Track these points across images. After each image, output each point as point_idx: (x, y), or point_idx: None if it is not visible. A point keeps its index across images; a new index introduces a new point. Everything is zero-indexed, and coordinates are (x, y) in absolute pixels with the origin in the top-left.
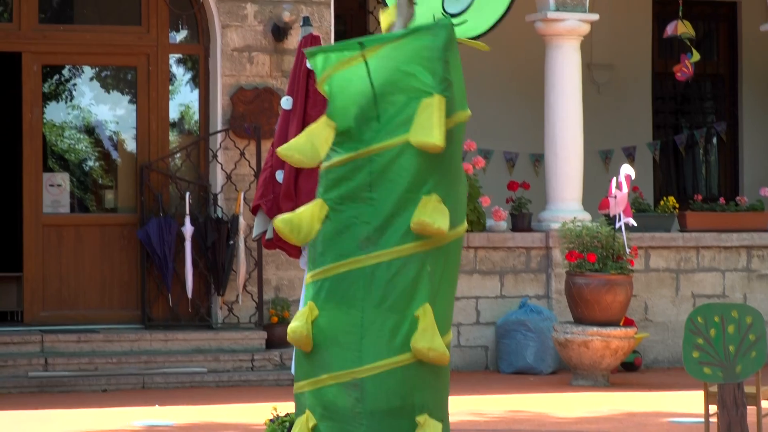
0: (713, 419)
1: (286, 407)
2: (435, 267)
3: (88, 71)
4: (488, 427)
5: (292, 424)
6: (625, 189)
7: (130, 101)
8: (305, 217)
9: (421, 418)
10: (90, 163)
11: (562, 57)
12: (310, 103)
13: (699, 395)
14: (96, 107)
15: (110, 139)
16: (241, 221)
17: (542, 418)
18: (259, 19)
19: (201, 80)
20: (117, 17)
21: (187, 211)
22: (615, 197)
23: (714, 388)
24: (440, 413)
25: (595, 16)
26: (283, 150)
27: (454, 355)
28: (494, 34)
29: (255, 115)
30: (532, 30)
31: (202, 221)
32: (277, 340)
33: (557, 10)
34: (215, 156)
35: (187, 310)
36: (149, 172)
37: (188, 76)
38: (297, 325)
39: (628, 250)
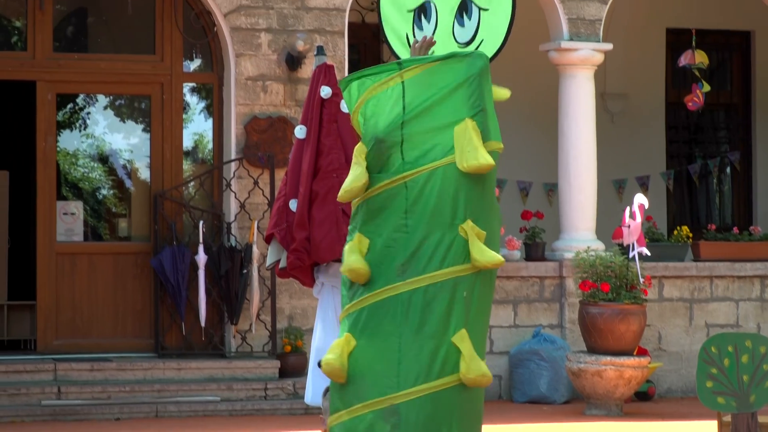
0: None
1: None
2: (470, 293)
3: (102, 100)
4: None
5: None
6: (639, 218)
7: (144, 130)
8: (356, 259)
9: None
10: (104, 191)
11: (576, 86)
12: (324, 132)
13: (713, 425)
14: (110, 136)
15: (124, 167)
16: (255, 250)
17: None
18: (273, 48)
19: (215, 109)
20: (131, 46)
21: (201, 240)
22: (629, 227)
23: (728, 418)
24: None
25: (609, 46)
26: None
27: None
28: (508, 63)
29: (269, 144)
30: (546, 59)
31: (216, 250)
32: (290, 369)
33: (571, 39)
34: (229, 185)
35: (201, 338)
36: (163, 201)
37: (202, 104)
38: (331, 357)
39: (641, 280)
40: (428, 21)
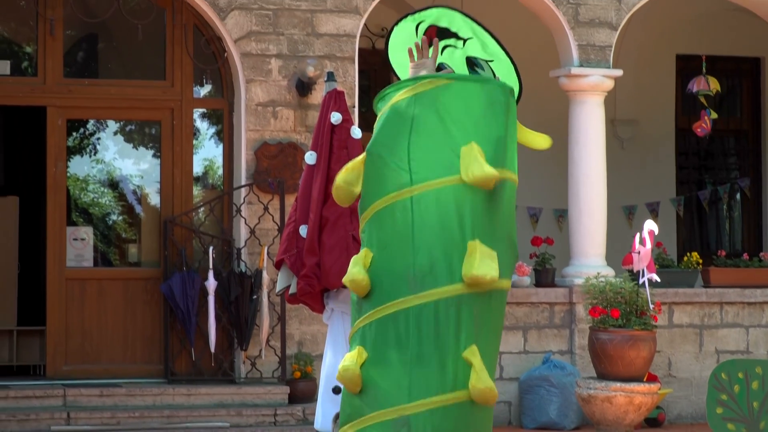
0: None
1: None
2: (480, 311)
3: (112, 125)
4: None
5: None
6: (649, 245)
7: (154, 155)
8: (357, 270)
9: None
10: (114, 217)
11: (586, 112)
12: (334, 158)
13: None
14: (120, 161)
15: (134, 193)
16: (265, 276)
17: None
18: (283, 74)
19: (225, 135)
20: (141, 72)
21: (211, 266)
22: (638, 253)
23: None
24: None
25: (619, 72)
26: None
27: None
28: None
29: (279, 170)
30: (556, 85)
31: (226, 276)
32: (299, 395)
33: (581, 65)
34: (239, 210)
35: (210, 364)
36: (173, 227)
37: (212, 130)
38: (347, 365)
39: (651, 306)
40: None
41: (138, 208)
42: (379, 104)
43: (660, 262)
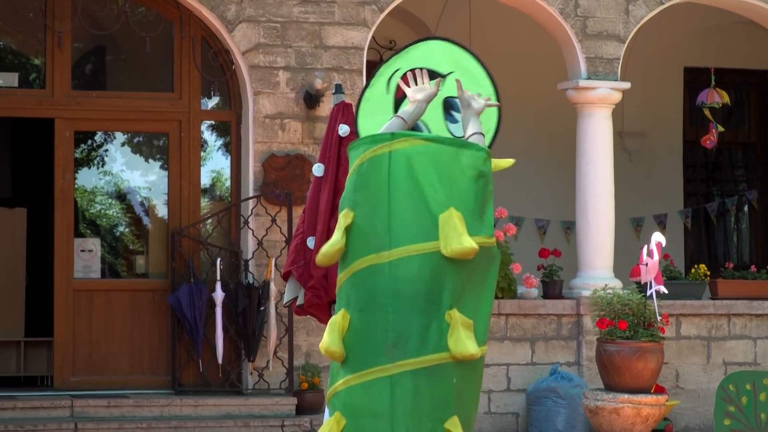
0: None
1: None
2: (460, 378)
3: (120, 137)
4: None
5: None
6: (656, 256)
7: (162, 167)
8: (331, 341)
9: None
10: (121, 228)
11: (593, 125)
12: (342, 170)
13: None
14: (128, 173)
15: (141, 204)
16: (272, 287)
17: None
18: (291, 86)
19: (233, 146)
20: (149, 84)
21: (218, 277)
22: (646, 265)
23: None
24: None
25: (627, 85)
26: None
27: (485, 421)
28: (527, 102)
29: (286, 182)
30: (564, 98)
31: (233, 287)
32: (307, 406)
33: (589, 78)
34: (246, 222)
35: (218, 375)
36: (180, 238)
37: (220, 142)
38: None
39: (659, 318)
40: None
41: (146, 220)
42: (351, 152)
43: (668, 274)
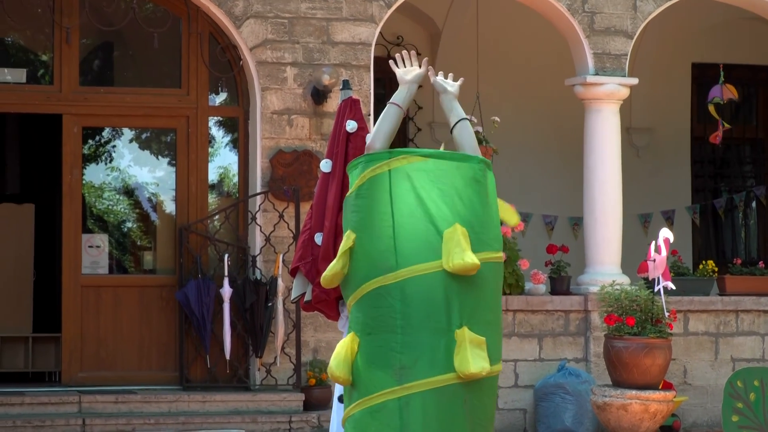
0: None
1: None
2: (471, 398)
3: (128, 133)
4: None
5: None
6: (664, 252)
7: (170, 163)
8: (337, 365)
9: None
10: (129, 224)
11: (601, 121)
12: None
13: None
14: (135, 169)
15: (149, 200)
16: (280, 283)
17: None
18: (298, 82)
19: (240, 142)
20: (157, 80)
21: (226, 273)
22: (654, 261)
23: None
24: None
25: (635, 80)
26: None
27: None
28: (534, 98)
29: (294, 178)
30: (572, 94)
31: (241, 283)
32: (315, 402)
33: (597, 74)
34: (254, 218)
35: (225, 371)
36: (188, 234)
37: (227, 138)
38: None
39: (666, 314)
40: None
41: (153, 216)
42: (350, 172)
43: (675, 270)
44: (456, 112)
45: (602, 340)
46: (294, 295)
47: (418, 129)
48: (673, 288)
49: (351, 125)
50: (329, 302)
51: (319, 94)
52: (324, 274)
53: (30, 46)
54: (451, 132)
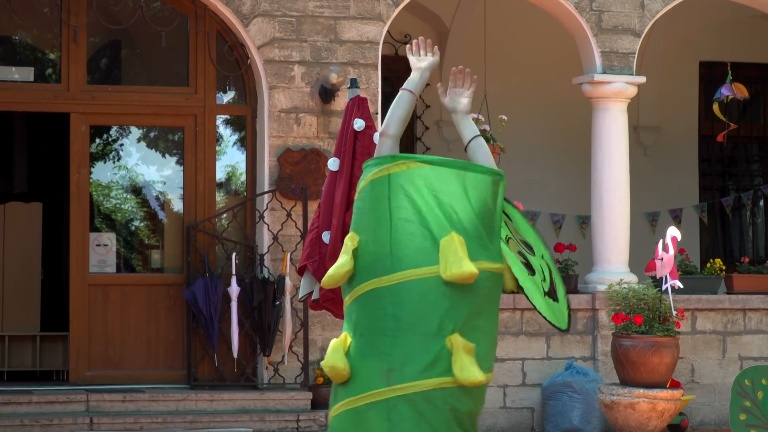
0: None
1: None
2: (459, 403)
3: (136, 132)
4: None
5: None
6: (672, 251)
7: (177, 162)
8: (338, 358)
9: None
10: (136, 223)
11: (609, 119)
12: (357, 164)
13: None
14: (143, 167)
15: (157, 199)
16: (288, 282)
17: None
18: (306, 80)
19: (248, 141)
20: (164, 78)
21: (234, 272)
22: (661, 259)
23: None
24: None
25: (642, 79)
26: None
27: (501, 416)
28: (542, 96)
29: (302, 176)
30: (579, 92)
31: (249, 282)
32: (322, 401)
33: (604, 72)
34: (262, 217)
35: (233, 370)
36: (196, 233)
37: (235, 136)
38: None
39: (674, 312)
40: None
41: (161, 214)
42: (363, 172)
43: (683, 269)
44: (469, 129)
45: (610, 338)
46: (302, 293)
47: (426, 127)
48: (681, 286)
49: (359, 124)
50: (337, 301)
51: (326, 93)
52: (330, 272)
53: (38, 45)
54: (466, 149)
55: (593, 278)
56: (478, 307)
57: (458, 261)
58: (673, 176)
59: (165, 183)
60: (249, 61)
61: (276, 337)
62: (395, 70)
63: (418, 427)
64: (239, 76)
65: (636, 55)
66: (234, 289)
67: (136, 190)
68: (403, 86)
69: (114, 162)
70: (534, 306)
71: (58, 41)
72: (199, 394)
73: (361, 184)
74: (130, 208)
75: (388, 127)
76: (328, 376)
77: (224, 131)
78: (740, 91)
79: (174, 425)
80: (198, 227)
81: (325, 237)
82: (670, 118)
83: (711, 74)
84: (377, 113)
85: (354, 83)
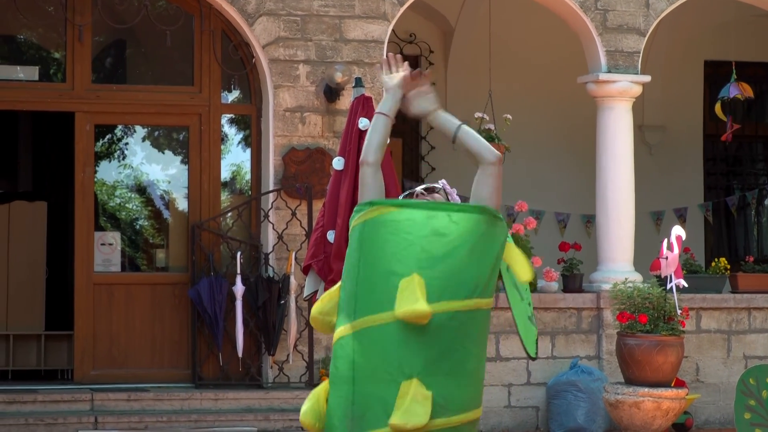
0: None
1: None
2: None
3: (140, 131)
4: None
5: None
6: (677, 250)
7: (182, 161)
8: (307, 410)
9: None
10: (141, 222)
11: (614, 118)
12: None
13: None
14: (148, 166)
15: (162, 198)
16: (292, 281)
17: None
18: (311, 79)
19: (253, 140)
20: (169, 77)
21: (238, 271)
22: (666, 258)
23: None
24: None
25: (647, 78)
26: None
27: (505, 415)
28: (547, 95)
29: (306, 175)
30: (584, 91)
31: (253, 281)
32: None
33: (609, 71)
34: (267, 216)
35: (238, 369)
36: (200, 232)
37: (240, 136)
38: None
39: (679, 311)
40: None
41: (166, 213)
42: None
43: (688, 268)
44: (450, 121)
45: (615, 337)
46: (306, 292)
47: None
48: (686, 285)
49: (363, 123)
50: None
51: (331, 92)
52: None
53: (42, 44)
54: (454, 142)
55: (598, 277)
56: (442, 348)
57: (412, 300)
58: (677, 175)
59: (170, 182)
60: (254, 60)
61: (281, 336)
62: None
63: None
64: (244, 75)
65: (641, 54)
66: (239, 288)
67: (141, 189)
68: (378, 110)
69: (119, 161)
70: (517, 329)
71: (63, 40)
72: (203, 393)
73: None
74: (134, 207)
75: (366, 156)
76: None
77: (229, 130)
78: (745, 91)
79: (179, 424)
80: (203, 226)
81: (330, 236)
82: (674, 117)
83: (716, 73)
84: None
85: (359, 82)
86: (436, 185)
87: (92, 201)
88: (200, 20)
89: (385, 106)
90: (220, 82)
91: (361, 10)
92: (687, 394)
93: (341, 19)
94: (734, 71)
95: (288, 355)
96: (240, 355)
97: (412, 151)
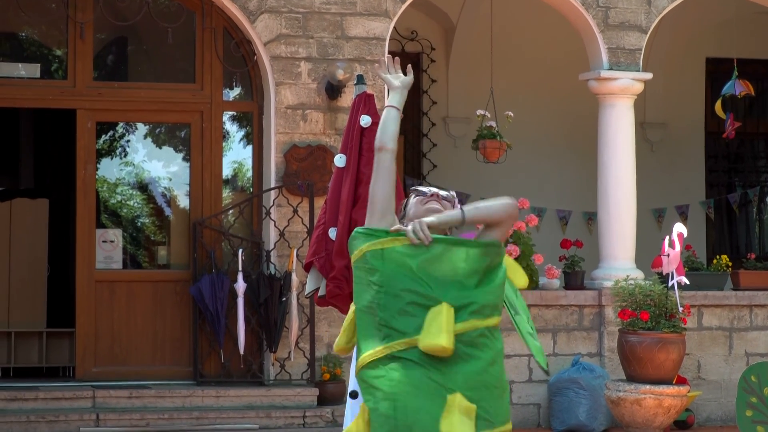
0: None
1: None
2: None
3: (142, 128)
4: None
5: None
6: (678, 247)
7: (184, 158)
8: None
9: None
10: (143, 219)
11: (615, 115)
12: (364, 161)
13: None
14: (149, 164)
15: (163, 195)
16: (294, 278)
17: None
18: (313, 77)
19: (254, 137)
20: (171, 75)
21: (240, 268)
22: (668, 255)
23: None
24: None
25: (649, 75)
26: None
27: None
28: (548, 92)
29: (308, 173)
30: (586, 88)
31: (255, 278)
32: (329, 397)
33: (611, 68)
34: (268, 213)
35: (239, 366)
36: (202, 229)
37: (242, 133)
38: None
39: (680, 309)
40: None
41: (167, 211)
42: (350, 243)
43: (689, 265)
44: (450, 216)
45: (616, 334)
46: (308, 289)
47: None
48: (687, 283)
49: (365, 120)
50: (343, 297)
51: (333, 89)
52: (337, 343)
53: (44, 41)
54: (463, 224)
55: (600, 274)
56: (480, 363)
57: (437, 333)
58: (679, 172)
59: (171, 179)
60: (255, 58)
61: (282, 333)
62: (402, 67)
63: None
64: (246, 73)
65: (642, 52)
66: (240, 286)
67: (143, 187)
68: (389, 104)
69: (120, 158)
70: (527, 344)
71: (64, 37)
72: (205, 391)
73: (355, 254)
74: (136, 204)
75: (386, 143)
76: (335, 374)
77: (231, 127)
78: (746, 88)
79: (180, 421)
80: (204, 223)
81: (332, 233)
82: (676, 114)
83: (717, 71)
84: (384, 109)
85: (360, 80)
86: (447, 194)
87: (94, 198)
88: (202, 17)
89: (394, 100)
90: (221, 80)
91: (363, 8)
92: (688, 392)
93: (343, 16)
94: (735, 68)
95: (289, 353)
96: (241, 352)
97: (413, 148)
